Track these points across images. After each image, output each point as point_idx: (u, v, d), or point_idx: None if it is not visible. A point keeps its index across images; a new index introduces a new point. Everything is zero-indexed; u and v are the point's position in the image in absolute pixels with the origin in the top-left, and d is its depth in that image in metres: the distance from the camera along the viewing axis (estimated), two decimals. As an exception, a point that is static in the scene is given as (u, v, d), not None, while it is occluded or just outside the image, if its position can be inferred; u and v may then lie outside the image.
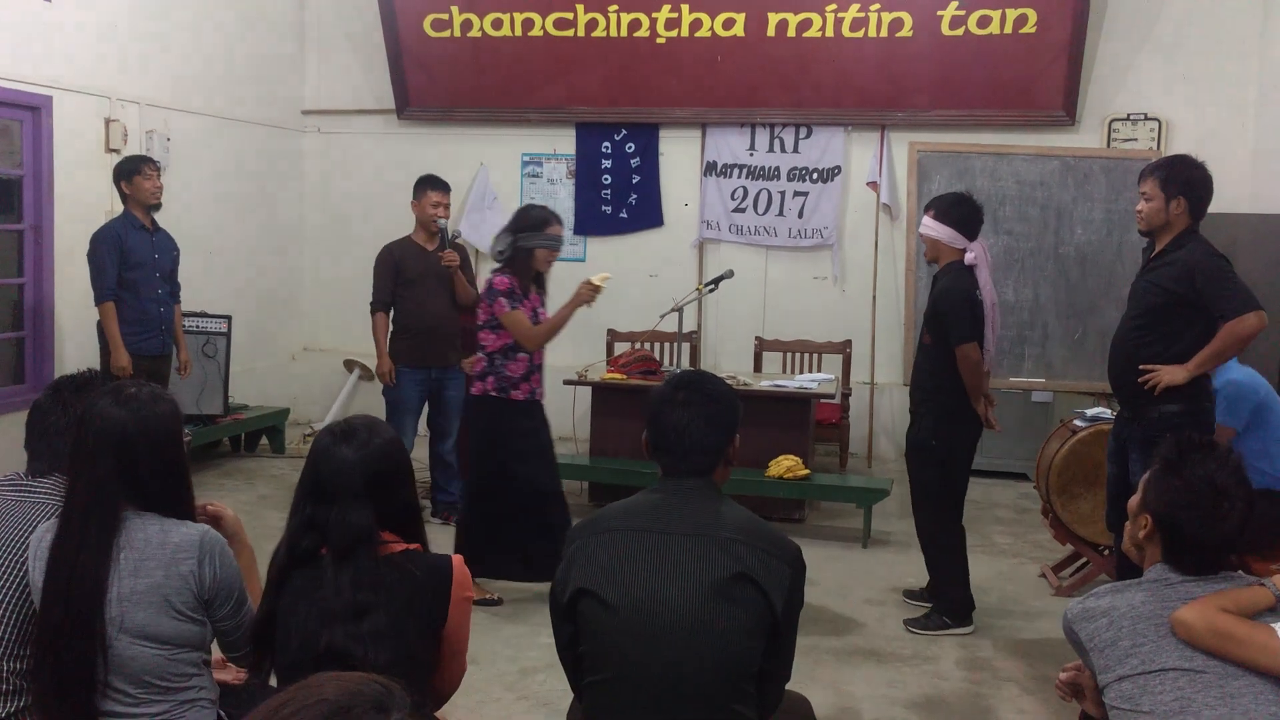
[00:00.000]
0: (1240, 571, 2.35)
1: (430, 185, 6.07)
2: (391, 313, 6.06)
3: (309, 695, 1.07)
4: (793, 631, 2.35)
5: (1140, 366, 4.07)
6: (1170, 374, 4.00)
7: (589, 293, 4.82)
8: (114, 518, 2.34)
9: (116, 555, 2.32)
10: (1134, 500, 2.41)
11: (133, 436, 2.38)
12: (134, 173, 5.88)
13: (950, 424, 4.67)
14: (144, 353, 5.85)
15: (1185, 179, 4.07)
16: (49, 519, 2.48)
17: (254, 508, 6.44)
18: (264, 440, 7.96)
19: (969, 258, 4.65)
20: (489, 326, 4.77)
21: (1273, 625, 2.14)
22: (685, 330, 6.88)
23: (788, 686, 2.58)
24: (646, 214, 8.55)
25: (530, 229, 4.75)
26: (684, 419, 2.37)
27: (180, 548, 2.36)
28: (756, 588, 2.22)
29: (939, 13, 7.71)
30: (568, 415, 6.97)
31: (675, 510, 2.33)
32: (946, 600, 4.76)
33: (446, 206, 6.11)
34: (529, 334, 4.78)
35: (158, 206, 5.98)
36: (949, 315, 4.59)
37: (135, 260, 5.84)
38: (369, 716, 1.06)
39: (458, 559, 2.36)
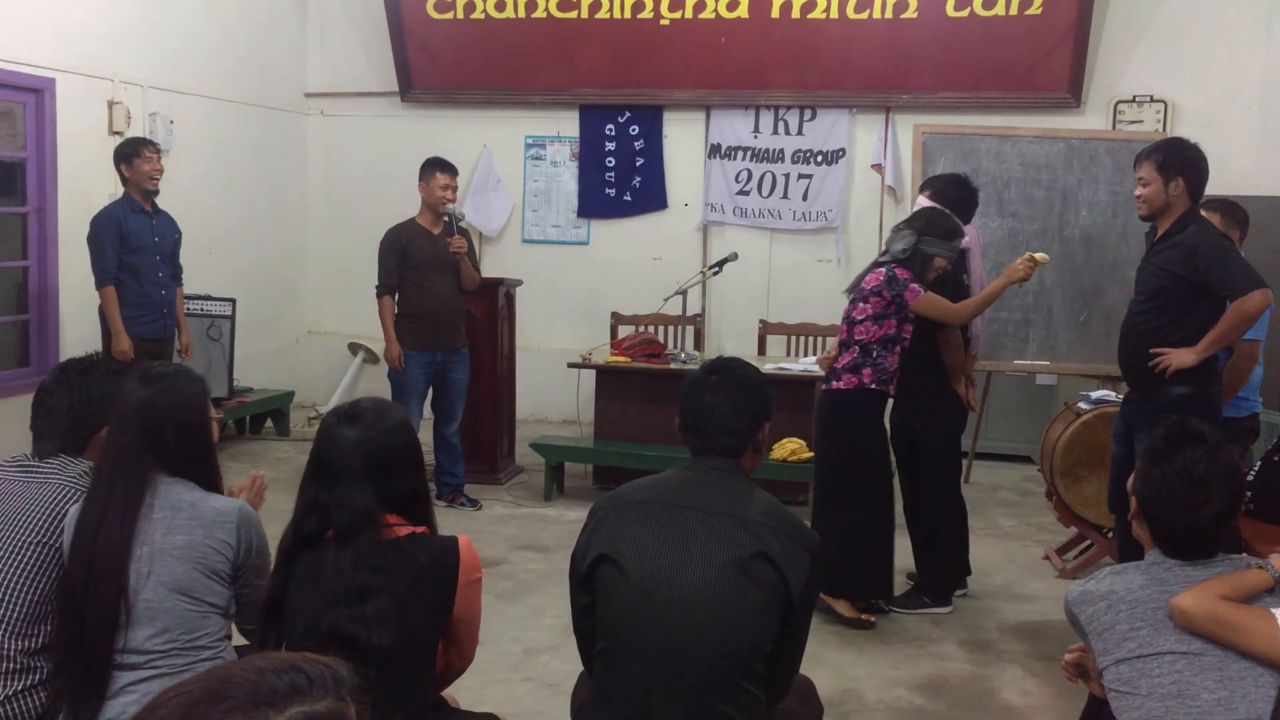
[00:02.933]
0: (1244, 554, 2.35)
1: (439, 168, 6.02)
2: (396, 296, 6.03)
3: (204, 681, 1.04)
4: (807, 618, 2.38)
5: (1150, 350, 4.08)
6: (1179, 356, 4.00)
7: (1027, 269, 4.50)
8: (141, 478, 2.40)
9: (148, 514, 2.38)
10: (1129, 481, 2.43)
11: (159, 410, 2.45)
12: (133, 155, 5.83)
13: (932, 405, 4.68)
14: (145, 336, 5.83)
15: (1181, 160, 4.07)
16: (55, 499, 2.53)
17: (259, 490, 6.46)
18: (269, 423, 7.98)
19: (963, 241, 4.64)
20: (872, 319, 4.50)
21: (1273, 611, 2.13)
22: (689, 313, 6.88)
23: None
24: (650, 197, 8.53)
25: (937, 236, 4.53)
26: (713, 401, 2.41)
27: (221, 513, 2.43)
28: (775, 569, 2.24)
29: (944, -6, 7.68)
30: (572, 398, 6.98)
31: (701, 488, 2.36)
32: (928, 579, 4.79)
33: (455, 189, 6.08)
34: (956, 309, 4.54)
35: (156, 191, 5.92)
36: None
37: (135, 244, 5.80)
38: (230, 717, 0.99)
39: (465, 540, 2.36)
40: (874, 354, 4.53)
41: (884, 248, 4.68)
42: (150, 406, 2.44)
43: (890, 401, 4.70)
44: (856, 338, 4.55)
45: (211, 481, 2.54)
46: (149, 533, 2.36)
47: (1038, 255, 4.55)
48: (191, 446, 2.49)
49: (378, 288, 6.02)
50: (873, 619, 4.61)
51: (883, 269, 4.56)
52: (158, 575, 2.34)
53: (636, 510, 2.34)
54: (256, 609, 2.49)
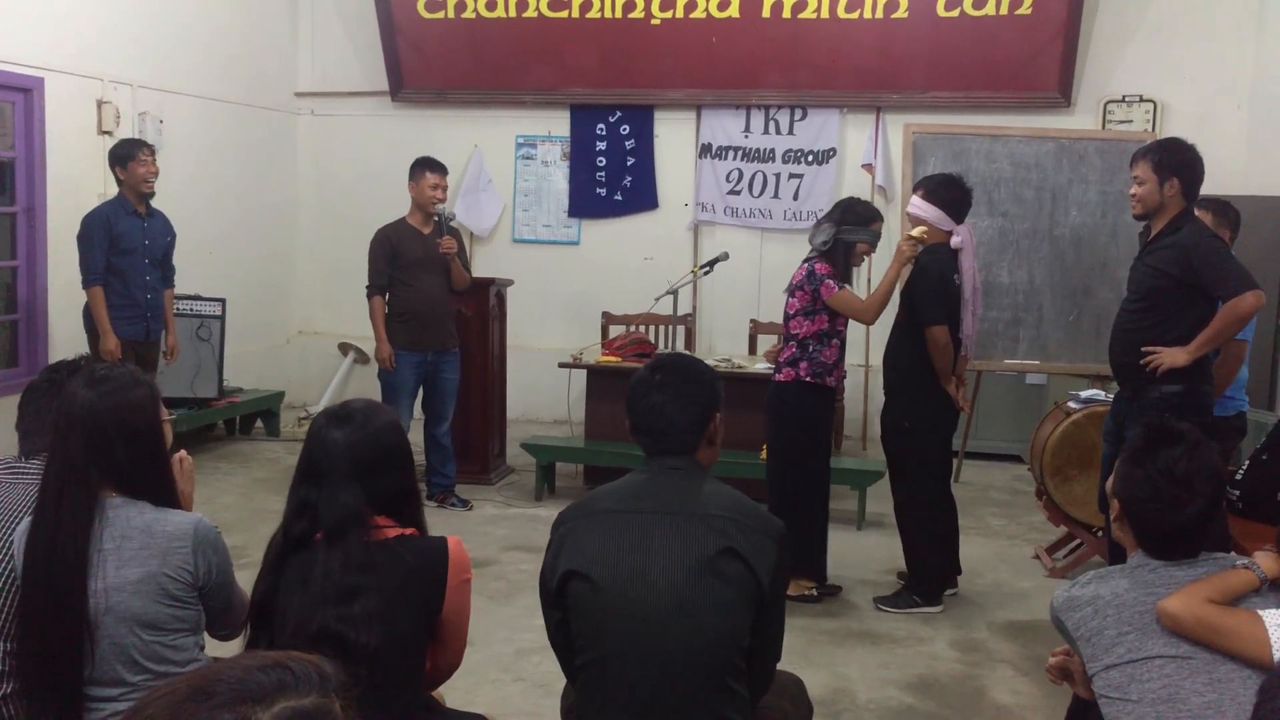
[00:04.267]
0: (1231, 553, 2.35)
1: (428, 167, 6.00)
2: (387, 296, 6.02)
3: (190, 679, 1.03)
4: (780, 608, 2.37)
5: (1142, 349, 4.09)
6: (1172, 356, 4.01)
7: (910, 248, 4.71)
8: (89, 499, 2.31)
9: (99, 541, 2.29)
10: (1109, 483, 2.41)
11: (103, 419, 2.34)
12: (128, 158, 5.79)
13: (922, 404, 4.70)
14: (127, 338, 5.80)
15: (1177, 161, 4.08)
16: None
17: (249, 490, 6.44)
18: (259, 424, 7.97)
19: (955, 241, 4.67)
20: (803, 314, 4.77)
21: (1259, 612, 2.13)
22: (680, 313, 6.88)
23: (782, 666, 2.58)
24: (641, 196, 8.53)
25: (855, 223, 4.78)
26: (659, 400, 2.40)
27: (174, 537, 2.35)
28: (744, 564, 2.23)
29: (934, -6, 7.70)
30: (563, 398, 6.98)
31: (660, 490, 2.35)
32: (918, 579, 4.80)
33: (444, 189, 6.07)
34: (864, 307, 4.80)
35: (151, 194, 5.90)
36: (921, 296, 4.63)
37: (124, 246, 5.78)
38: (218, 713, 0.99)
39: (455, 540, 2.35)
40: (810, 348, 4.77)
41: (810, 242, 4.92)
42: (94, 412, 2.34)
43: (833, 394, 4.96)
44: (792, 332, 4.81)
45: (165, 491, 2.44)
46: (100, 565, 2.28)
47: (913, 233, 4.73)
48: (140, 452, 2.38)
49: (368, 288, 6.01)
50: (815, 591, 4.86)
51: (806, 263, 4.81)
52: (116, 612, 2.27)
53: (599, 521, 2.32)
54: (226, 617, 2.47)
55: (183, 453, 2.67)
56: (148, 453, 2.42)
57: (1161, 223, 4.12)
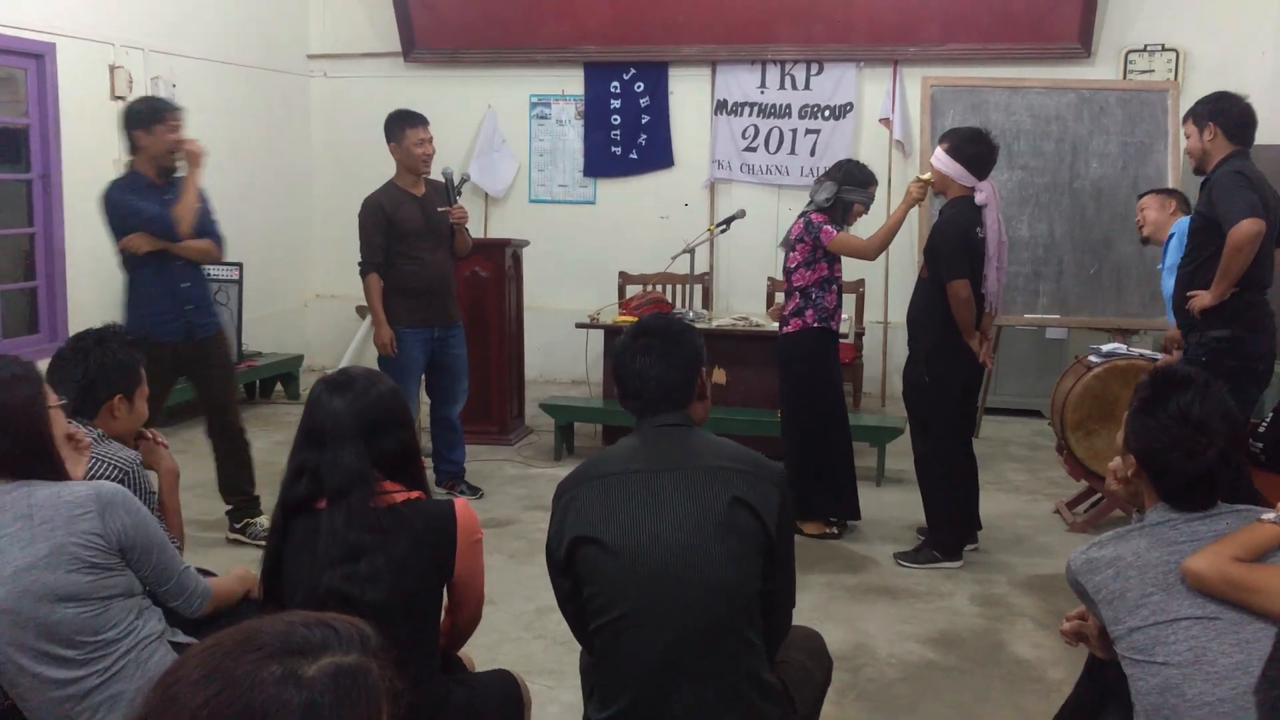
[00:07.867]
0: (1251, 506, 2.31)
1: (407, 122, 5.31)
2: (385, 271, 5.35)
3: (234, 635, 1.05)
4: (789, 551, 2.37)
5: (1186, 293, 4.18)
6: (1200, 298, 4.07)
7: (919, 190, 4.84)
8: None
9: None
10: (1119, 436, 2.38)
11: None
12: (154, 120, 4.56)
13: (944, 359, 4.67)
14: (163, 339, 4.60)
15: (1210, 107, 4.24)
16: None
17: (269, 454, 6.46)
18: (279, 387, 8.01)
19: (980, 198, 4.62)
20: (804, 265, 4.98)
21: None
22: (697, 272, 6.85)
23: (802, 622, 2.58)
24: (656, 155, 8.47)
25: (855, 184, 5.02)
26: (645, 364, 2.39)
27: (76, 504, 2.27)
28: (750, 511, 2.24)
29: (952, -57, 7.58)
30: (580, 358, 6.98)
31: (658, 447, 2.35)
32: (938, 534, 4.80)
33: (431, 140, 5.39)
34: (866, 245, 4.97)
35: (175, 169, 4.68)
36: (942, 250, 4.60)
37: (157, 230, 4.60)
38: (265, 665, 1.00)
39: (461, 502, 2.36)
40: (813, 296, 4.99)
41: (809, 198, 5.11)
42: None
43: (838, 339, 5.16)
44: (795, 284, 5.02)
45: (52, 474, 2.35)
46: (8, 552, 2.21)
47: (923, 175, 4.87)
48: (26, 448, 2.31)
49: (361, 265, 5.36)
50: (837, 530, 5.10)
51: (803, 217, 5.01)
52: (34, 591, 2.20)
53: (603, 485, 2.30)
54: (173, 586, 2.40)
55: (153, 430, 2.74)
56: (27, 438, 2.33)
57: (1210, 169, 4.24)
